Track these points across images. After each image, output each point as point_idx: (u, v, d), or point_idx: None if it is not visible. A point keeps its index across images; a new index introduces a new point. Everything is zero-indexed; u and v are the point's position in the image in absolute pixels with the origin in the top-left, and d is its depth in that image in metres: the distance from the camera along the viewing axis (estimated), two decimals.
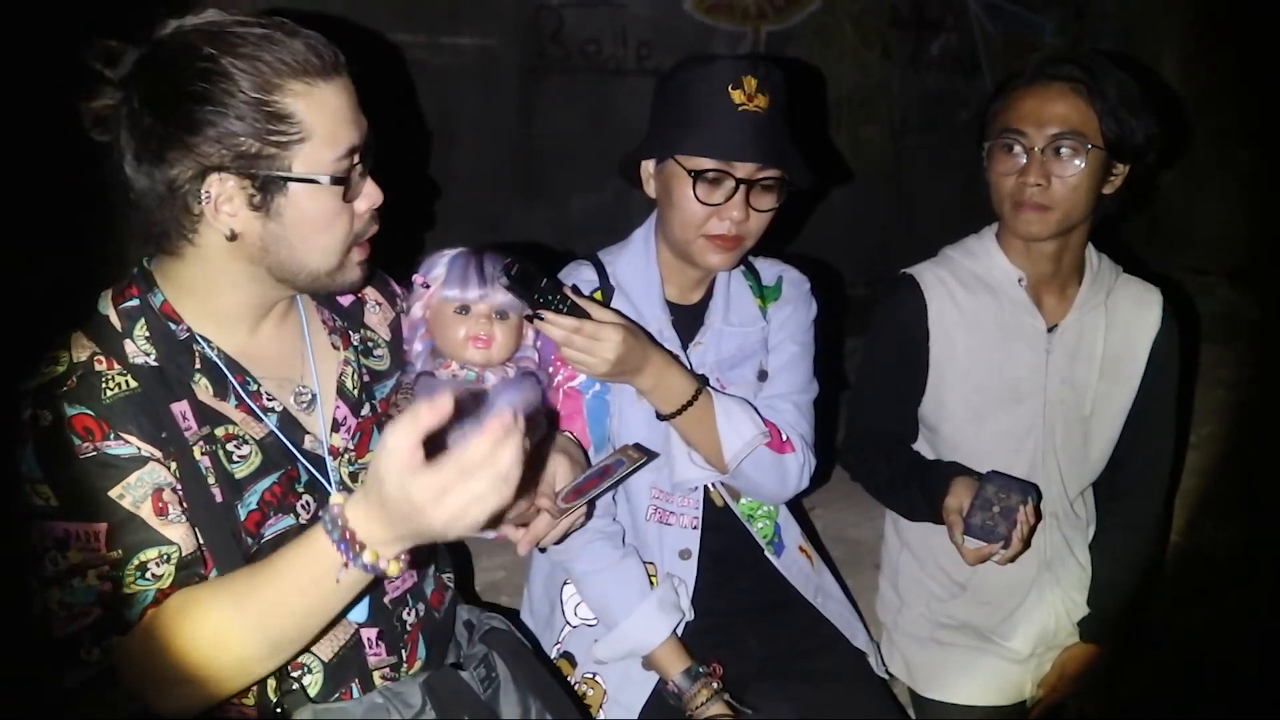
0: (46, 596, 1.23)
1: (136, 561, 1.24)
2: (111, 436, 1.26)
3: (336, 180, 1.32)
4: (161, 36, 1.28)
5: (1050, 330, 1.98)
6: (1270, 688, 2.23)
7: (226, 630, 1.21)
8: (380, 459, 1.09)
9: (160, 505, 1.27)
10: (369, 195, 1.40)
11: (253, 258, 1.34)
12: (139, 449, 1.28)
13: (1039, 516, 1.87)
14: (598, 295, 1.85)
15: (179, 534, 1.28)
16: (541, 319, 1.58)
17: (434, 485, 1.08)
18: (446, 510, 1.08)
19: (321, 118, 1.29)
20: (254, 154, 1.26)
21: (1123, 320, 2.01)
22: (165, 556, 1.26)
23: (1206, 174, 4.14)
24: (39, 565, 1.23)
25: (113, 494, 1.25)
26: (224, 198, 1.29)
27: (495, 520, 1.16)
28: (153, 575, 1.25)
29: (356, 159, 1.35)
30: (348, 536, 1.15)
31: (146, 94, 1.26)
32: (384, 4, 3.43)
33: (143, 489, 1.26)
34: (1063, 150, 1.84)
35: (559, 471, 1.57)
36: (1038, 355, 1.98)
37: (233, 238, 1.31)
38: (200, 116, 1.24)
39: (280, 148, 1.27)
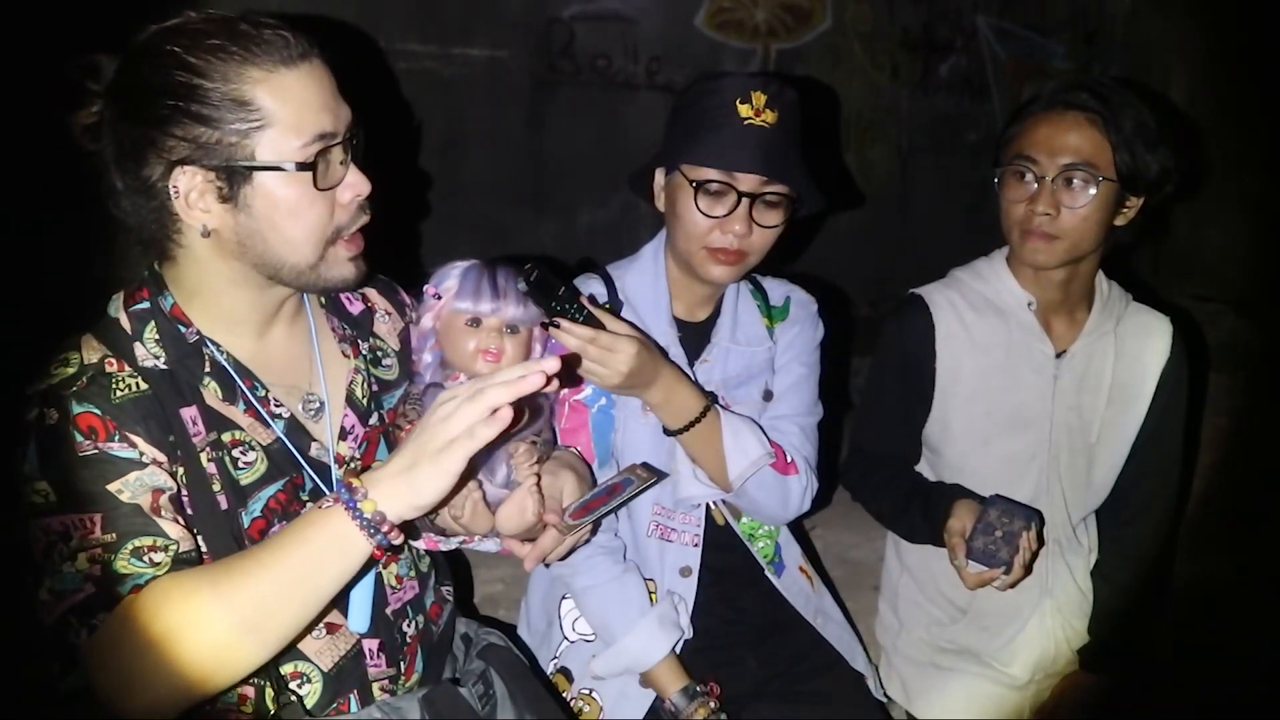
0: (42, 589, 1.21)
1: (131, 546, 1.22)
2: (116, 437, 1.26)
3: (303, 167, 1.30)
4: (136, 42, 1.29)
5: (1059, 356, 1.98)
6: (1272, 717, 2.22)
7: (201, 605, 1.18)
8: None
9: (156, 505, 1.26)
10: (353, 184, 1.37)
11: (234, 254, 1.34)
12: (142, 454, 1.27)
13: (1041, 542, 1.87)
14: (607, 309, 1.85)
15: (176, 532, 1.26)
16: (558, 326, 1.58)
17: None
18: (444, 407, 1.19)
19: (284, 104, 1.27)
20: (215, 143, 1.26)
21: (1132, 348, 2.00)
22: (163, 547, 1.24)
23: (1214, 201, 4.14)
24: (47, 561, 1.21)
25: (111, 488, 1.24)
26: (195, 193, 1.28)
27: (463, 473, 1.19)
28: (150, 561, 1.22)
29: (330, 145, 1.32)
30: (349, 474, 1.21)
31: (119, 98, 1.27)
32: (395, 13, 3.44)
33: (141, 486, 1.26)
34: (1074, 181, 1.84)
35: (566, 488, 1.57)
36: (1045, 380, 1.97)
37: (207, 234, 1.31)
38: (163, 111, 1.24)
39: (242, 135, 1.26)
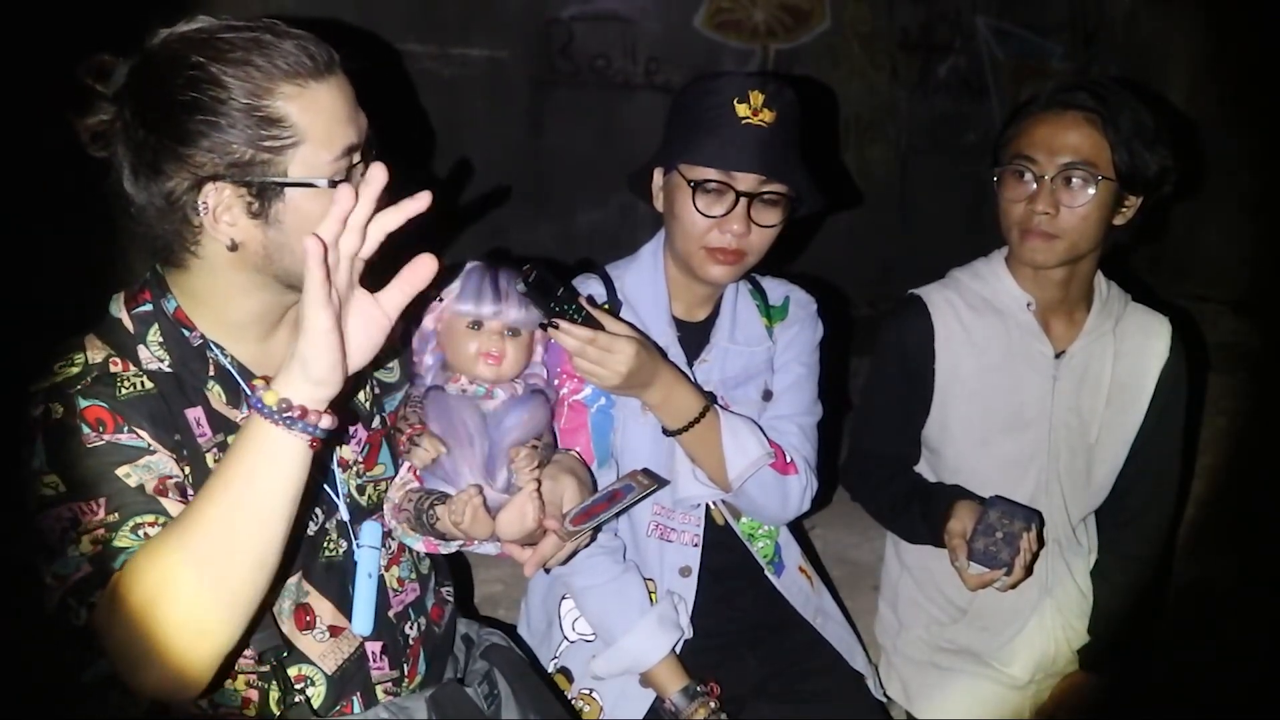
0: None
1: (131, 523, 1.21)
2: (125, 429, 1.25)
3: (335, 183, 1.29)
4: (151, 47, 1.26)
5: (1058, 356, 1.98)
6: (1273, 718, 2.22)
7: (164, 556, 1.15)
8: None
9: (162, 488, 1.25)
10: None
11: (257, 266, 1.32)
12: (149, 444, 1.27)
13: (1041, 543, 1.87)
14: (605, 309, 1.85)
15: (177, 510, 1.24)
16: (556, 327, 1.58)
17: None
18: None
19: (315, 119, 1.26)
20: (247, 161, 1.24)
21: (1131, 348, 2.00)
22: (162, 524, 1.22)
23: (1212, 201, 4.14)
24: (61, 551, 1.20)
25: (119, 472, 1.23)
26: (222, 207, 1.26)
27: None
28: (145, 536, 1.20)
29: (356, 158, 1.32)
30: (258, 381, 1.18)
31: (138, 107, 1.25)
32: (395, 14, 3.44)
33: (150, 472, 1.25)
34: (1073, 180, 1.84)
35: (567, 493, 1.56)
36: (1044, 381, 1.97)
37: (234, 248, 1.29)
38: (191, 127, 1.22)
39: (274, 153, 1.25)
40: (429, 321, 1.62)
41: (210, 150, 1.23)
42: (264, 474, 1.17)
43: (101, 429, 1.24)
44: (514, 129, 3.69)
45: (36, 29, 2.33)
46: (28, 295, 2.40)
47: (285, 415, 1.15)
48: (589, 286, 1.89)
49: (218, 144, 1.23)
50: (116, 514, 1.21)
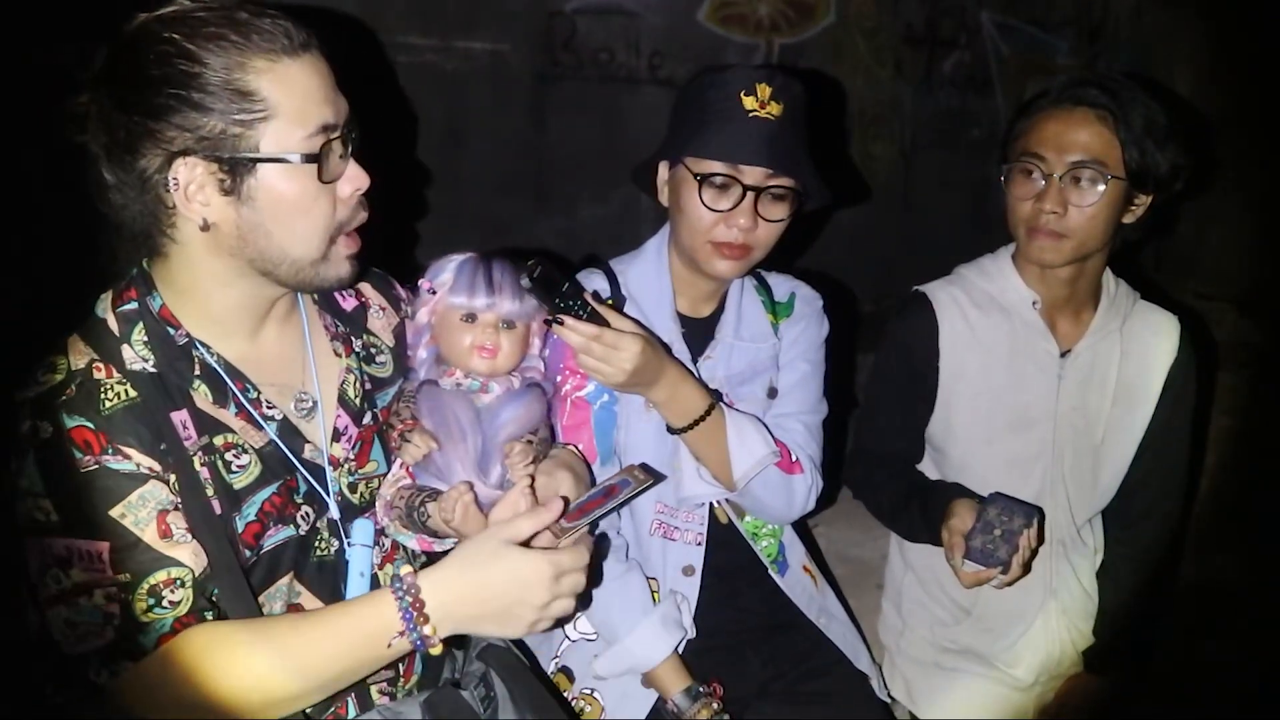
0: (50, 615, 1.20)
1: (147, 585, 1.22)
2: (110, 450, 1.24)
3: (309, 158, 1.27)
4: (128, 30, 1.26)
5: (1063, 355, 1.96)
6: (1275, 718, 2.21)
7: (263, 672, 1.22)
8: (487, 537, 1.31)
9: (164, 528, 1.25)
10: (352, 178, 1.35)
11: (232, 250, 1.31)
12: (138, 465, 1.26)
13: (1041, 541, 1.85)
14: (610, 304, 1.83)
15: (187, 554, 1.25)
16: (561, 324, 1.56)
17: (548, 567, 1.29)
18: (558, 588, 1.30)
19: (288, 94, 1.25)
20: (218, 135, 1.23)
21: (1138, 348, 1.98)
22: (179, 581, 1.24)
23: (1216, 199, 4.12)
24: (40, 581, 1.20)
25: (114, 513, 1.22)
26: (194, 185, 1.25)
27: None
28: (169, 602, 1.23)
29: (333, 137, 1.30)
30: (416, 605, 1.23)
31: (112, 87, 1.24)
32: (397, 7, 3.43)
33: (145, 509, 1.24)
34: (1082, 179, 1.81)
35: (562, 490, 1.54)
36: (1049, 380, 1.95)
37: (206, 228, 1.28)
38: (162, 101, 1.22)
39: (245, 126, 1.24)
40: (423, 314, 1.60)
41: (181, 125, 1.22)
42: (367, 663, 1.29)
43: (90, 450, 1.24)
44: (516, 123, 3.68)
45: (32, 22, 2.31)
46: (23, 294, 2.38)
47: (423, 641, 1.26)
48: (593, 281, 1.88)
49: (189, 118, 1.22)
50: (128, 574, 1.22)
